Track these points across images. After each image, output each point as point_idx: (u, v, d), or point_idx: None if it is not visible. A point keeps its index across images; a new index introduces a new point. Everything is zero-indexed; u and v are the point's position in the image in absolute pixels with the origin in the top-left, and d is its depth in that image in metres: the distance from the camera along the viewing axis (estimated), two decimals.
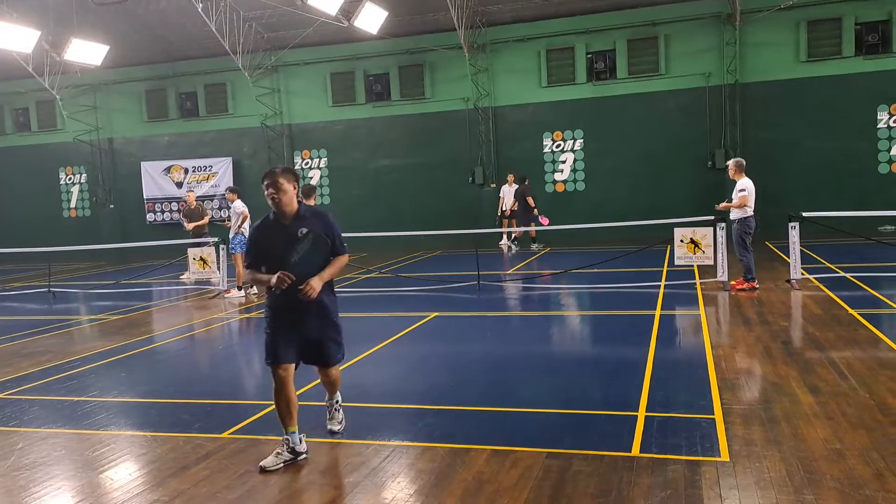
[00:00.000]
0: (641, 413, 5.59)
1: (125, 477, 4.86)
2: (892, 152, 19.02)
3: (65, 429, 6.00)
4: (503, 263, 17.12)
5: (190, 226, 16.44)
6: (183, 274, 16.85)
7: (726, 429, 5.14)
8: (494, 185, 21.31)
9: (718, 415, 5.46)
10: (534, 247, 19.50)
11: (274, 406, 5.01)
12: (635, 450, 4.85)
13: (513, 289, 13.18)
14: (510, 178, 20.20)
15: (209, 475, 4.78)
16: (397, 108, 22.49)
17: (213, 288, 14.23)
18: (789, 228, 11.30)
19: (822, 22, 19.13)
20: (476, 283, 12.82)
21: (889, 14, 18.64)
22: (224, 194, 22.91)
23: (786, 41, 19.47)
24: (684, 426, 5.27)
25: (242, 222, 13.53)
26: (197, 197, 23.46)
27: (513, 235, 19.77)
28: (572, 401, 6.11)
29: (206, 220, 16.67)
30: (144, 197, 24.62)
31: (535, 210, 19.18)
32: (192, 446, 5.34)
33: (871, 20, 18.81)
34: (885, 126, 19.03)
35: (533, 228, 18.91)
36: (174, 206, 24.30)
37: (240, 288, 13.60)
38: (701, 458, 4.63)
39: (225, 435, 5.55)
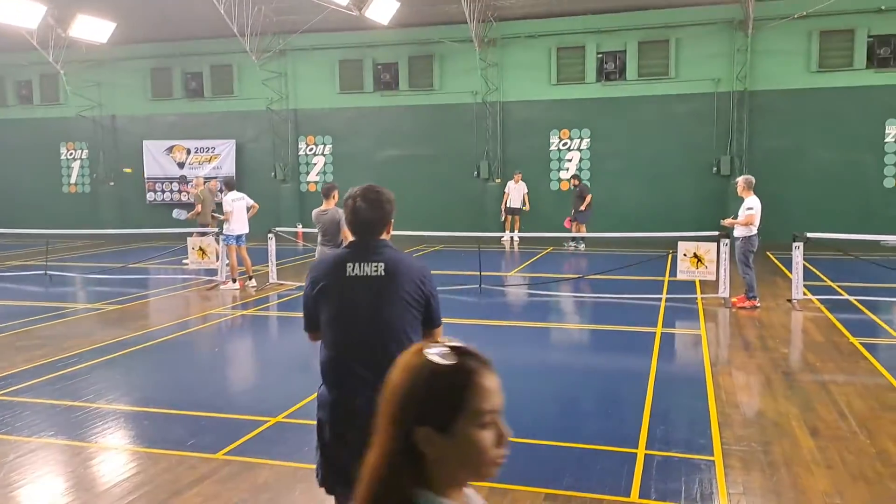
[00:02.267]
0: (641, 451, 5.54)
1: (117, 499, 4.81)
2: None
3: (57, 439, 5.95)
4: (505, 263, 17.04)
5: (190, 215, 16.18)
6: (185, 259, 16.70)
7: (726, 473, 5.10)
8: (500, 181, 21.20)
9: (718, 456, 5.41)
10: (580, 246, 19.11)
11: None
12: (634, 494, 4.81)
13: (514, 294, 13.12)
14: (517, 175, 20.12)
15: (202, 502, 4.73)
16: (405, 98, 22.34)
17: (212, 279, 14.15)
18: (793, 248, 11.24)
19: (835, 33, 18.97)
20: (478, 286, 12.75)
21: None
22: (226, 177, 22.84)
23: (797, 50, 19.31)
24: (684, 468, 5.23)
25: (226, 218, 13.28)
26: (205, 178, 23.30)
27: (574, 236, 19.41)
28: (571, 432, 6.05)
29: (198, 209, 16.09)
30: (145, 176, 24.48)
31: (574, 211, 19.03)
32: (185, 467, 5.29)
33: (883, 33, 18.65)
34: (893, 140, 18.92)
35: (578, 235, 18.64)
36: (175, 185, 24.18)
37: (234, 280, 13.50)
38: None
39: (219, 455, 5.50)
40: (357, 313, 3.25)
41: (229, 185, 13.84)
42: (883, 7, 18.37)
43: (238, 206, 13.36)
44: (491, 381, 1.51)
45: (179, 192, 23.99)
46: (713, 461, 5.33)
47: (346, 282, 3.27)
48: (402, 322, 3.26)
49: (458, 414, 1.45)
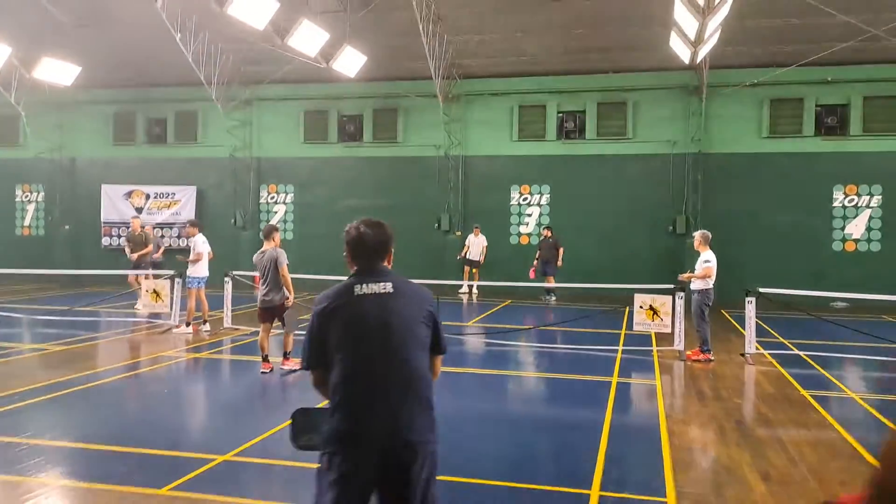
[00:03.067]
0: (595, 492, 5.51)
1: None
2: (847, 231, 19.54)
3: None
4: (464, 314, 17.05)
5: (134, 256, 16.25)
6: (136, 304, 16.49)
7: None
8: (459, 234, 21.33)
9: (671, 498, 5.41)
10: (552, 299, 19.44)
11: None
12: None
13: (471, 343, 13.09)
14: (476, 229, 20.34)
15: None
16: (369, 149, 22.53)
17: (163, 322, 13.90)
18: (746, 303, 11.46)
19: (785, 101, 19.74)
20: None
21: (848, 99, 19.33)
22: (185, 224, 22.70)
23: (749, 116, 20.02)
24: None
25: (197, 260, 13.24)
26: (156, 224, 23.24)
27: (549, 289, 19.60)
28: (526, 474, 6.01)
29: (148, 248, 16.53)
30: (102, 220, 24.13)
31: (543, 263, 19.30)
32: (127, 503, 5.11)
33: (830, 103, 19.49)
34: (841, 205, 19.57)
35: (552, 280, 18.86)
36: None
37: (188, 324, 13.28)
38: None
39: (163, 491, 5.33)
40: (375, 328, 3.18)
41: (200, 226, 13.79)
42: (830, 79, 19.20)
43: (206, 249, 13.30)
44: None
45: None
46: (666, 503, 5.32)
47: (355, 300, 3.23)
48: (415, 334, 3.23)
49: None
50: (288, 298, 9.82)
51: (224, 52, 21.13)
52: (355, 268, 3.38)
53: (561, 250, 19.25)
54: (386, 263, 3.40)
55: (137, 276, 16.38)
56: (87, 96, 23.65)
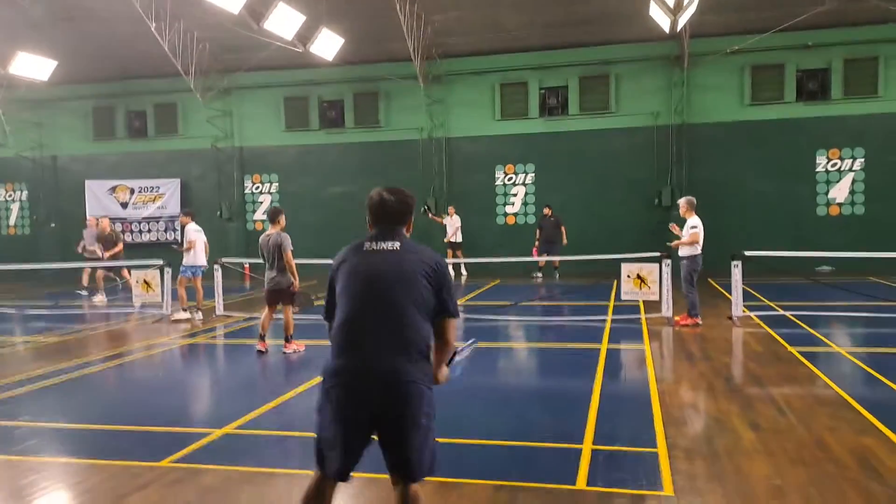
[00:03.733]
0: (587, 446, 5.61)
1: None
2: (830, 195, 19.72)
3: None
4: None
5: (107, 254, 16.41)
6: (95, 296, 16.58)
7: (670, 463, 5.19)
8: (443, 217, 21.19)
9: (662, 449, 5.51)
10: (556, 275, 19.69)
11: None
12: (581, 483, 4.86)
13: (463, 319, 13.17)
14: (451, 209, 20.52)
15: None
16: (351, 135, 22.50)
17: (156, 312, 13.91)
18: (732, 267, 11.59)
19: (766, 68, 19.84)
20: None
21: (828, 63, 19.44)
22: (171, 216, 22.71)
23: (731, 85, 20.12)
24: (629, 460, 5.32)
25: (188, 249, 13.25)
26: (143, 218, 23.22)
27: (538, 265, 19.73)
28: (520, 433, 6.10)
29: (119, 247, 16.68)
30: (87, 216, 23.98)
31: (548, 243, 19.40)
32: (128, 475, 5.17)
33: (811, 68, 19.60)
34: (824, 170, 19.74)
35: (556, 259, 18.89)
36: (118, 226, 23.75)
37: (185, 310, 13.32)
38: (645, 493, 4.67)
39: (164, 463, 5.39)
40: (371, 278, 3.34)
41: (193, 215, 13.76)
42: (810, 43, 19.31)
43: (200, 238, 13.29)
44: None
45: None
46: (657, 453, 5.43)
47: (363, 256, 3.42)
48: (414, 289, 3.33)
49: None
50: (293, 284, 9.80)
51: (200, 41, 21.00)
52: (374, 231, 3.53)
53: (564, 228, 19.30)
54: (405, 230, 3.56)
55: (106, 273, 16.69)
56: (64, 92, 23.48)
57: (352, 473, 3.37)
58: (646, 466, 5.16)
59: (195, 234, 13.25)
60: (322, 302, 3.60)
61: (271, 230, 9.92)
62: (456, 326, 3.55)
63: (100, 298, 16.56)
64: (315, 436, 3.38)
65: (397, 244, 3.42)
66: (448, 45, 21.07)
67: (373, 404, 3.23)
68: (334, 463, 3.29)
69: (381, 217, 3.51)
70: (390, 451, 3.30)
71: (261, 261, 10.10)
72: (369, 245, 3.44)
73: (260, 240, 10.03)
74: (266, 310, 9.99)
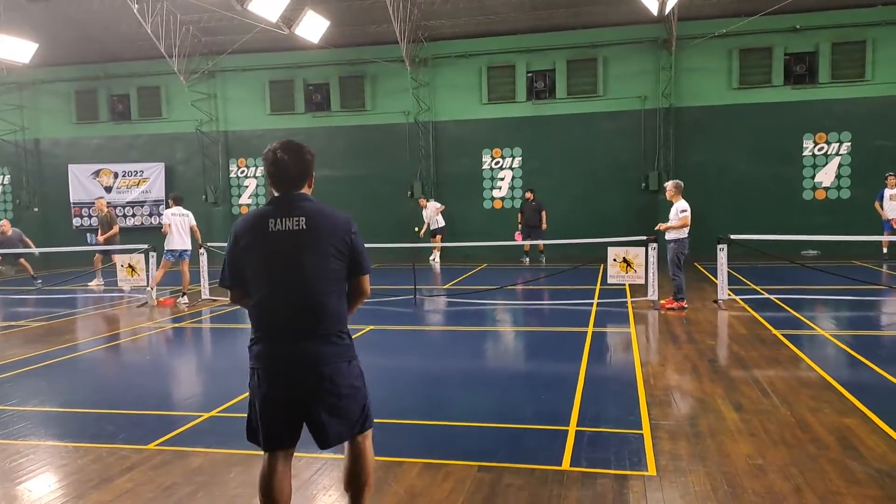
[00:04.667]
0: (572, 428, 5.65)
1: (44, 489, 4.67)
2: (817, 179, 19.83)
3: None
4: (440, 277, 17.14)
5: (100, 238, 16.32)
6: (92, 281, 16.54)
7: (654, 444, 5.24)
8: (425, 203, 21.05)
9: (646, 430, 5.56)
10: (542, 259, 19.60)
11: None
12: (565, 463, 4.90)
13: (449, 303, 13.20)
14: (421, 199, 20.66)
15: (133, 487, 4.63)
16: (337, 118, 22.39)
17: (142, 296, 13.85)
18: (718, 250, 11.64)
19: (754, 51, 19.88)
20: (412, 296, 12.81)
21: (816, 46, 19.49)
22: (156, 201, 22.57)
23: (719, 68, 20.14)
24: (613, 441, 5.36)
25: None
26: (127, 202, 23.06)
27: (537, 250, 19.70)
28: (505, 415, 6.13)
29: (115, 230, 16.50)
30: (71, 201, 23.84)
31: (520, 226, 19.37)
32: (115, 458, 5.16)
33: (799, 51, 19.64)
34: (810, 154, 19.83)
35: (540, 242, 18.81)
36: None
37: (184, 294, 13.28)
38: (629, 473, 4.71)
39: (151, 446, 5.39)
40: (279, 265, 3.30)
41: (176, 200, 13.59)
42: (798, 26, 19.35)
43: (175, 221, 13.18)
44: None
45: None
46: (642, 434, 5.47)
47: (268, 237, 3.31)
48: (323, 271, 3.32)
49: None
50: None
51: (184, 24, 20.79)
52: (274, 194, 3.42)
53: (544, 213, 19.27)
54: (306, 189, 3.44)
55: (103, 256, 16.53)
56: (46, 75, 23.24)
57: (291, 449, 3.49)
58: (630, 447, 5.21)
59: (169, 217, 13.16)
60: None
61: None
62: (367, 281, 3.55)
63: (96, 282, 16.44)
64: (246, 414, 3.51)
65: (303, 220, 3.29)
66: (435, 27, 20.97)
67: (294, 388, 3.32)
68: (263, 438, 3.40)
69: (279, 179, 3.37)
70: (321, 430, 3.39)
71: None
72: (273, 224, 3.30)
73: None
74: None
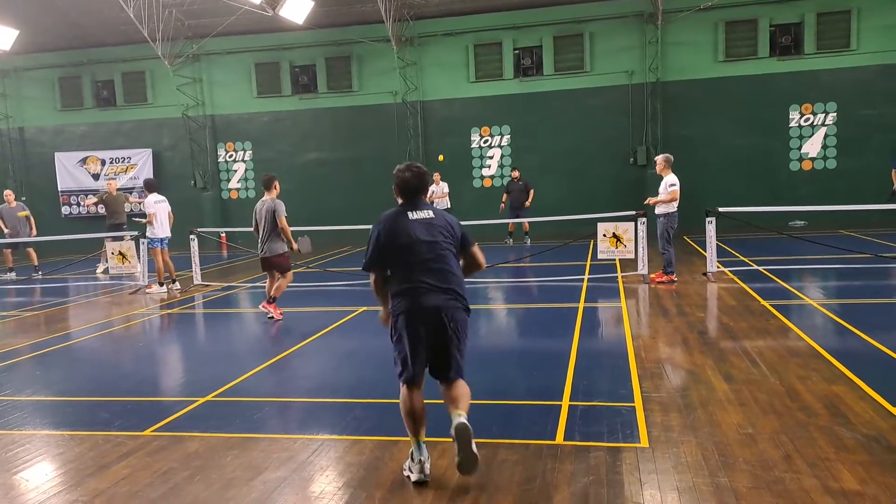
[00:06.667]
0: (565, 402, 5.72)
1: (41, 477, 4.71)
2: (803, 150, 19.90)
3: None
4: None
5: (146, 221, 16.15)
6: (98, 267, 16.49)
7: (646, 416, 5.31)
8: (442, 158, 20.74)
9: (638, 403, 5.63)
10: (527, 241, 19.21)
11: None
12: (559, 438, 4.96)
13: None
14: (436, 176, 20.32)
15: (130, 473, 4.67)
16: (324, 100, 22.28)
17: (133, 283, 13.84)
18: (706, 223, 11.70)
19: (739, 23, 19.86)
20: None
21: (801, 17, 19.49)
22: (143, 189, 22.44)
23: (705, 41, 20.12)
24: (606, 414, 5.43)
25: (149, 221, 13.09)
26: (117, 189, 22.93)
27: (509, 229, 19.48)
28: (498, 392, 6.19)
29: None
30: (59, 189, 23.71)
31: (502, 206, 19.24)
32: (111, 445, 5.20)
33: (784, 22, 19.64)
34: (797, 125, 19.89)
35: (526, 220, 18.58)
36: (91, 198, 23.49)
37: (161, 284, 13.24)
38: (622, 445, 4.78)
39: (147, 433, 5.43)
40: (420, 240, 4.48)
41: (150, 187, 13.43)
42: None
43: (161, 209, 13.11)
44: None
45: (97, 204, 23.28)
46: (634, 407, 5.55)
47: (410, 223, 4.54)
48: (448, 246, 4.58)
49: None
50: (287, 250, 9.89)
51: (166, 7, 20.58)
52: (402, 200, 4.64)
53: (531, 192, 19.01)
54: (424, 197, 4.71)
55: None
56: (28, 62, 23.02)
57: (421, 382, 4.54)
58: (622, 420, 5.28)
59: (153, 205, 13.03)
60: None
61: (266, 196, 9.93)
62: (477, 250, 4.79)
63: (102, 269, 16.32)
64: (394, 357, 4.55)
65: (430, 212, 4.61)
66: (420, 6, 20.84)
67: (431, 326, 4.43)
68: (409, 371, 4.49)
69: (406, 190, 4.63)
70: (442, 357, 4.48)
71: (241, 229, 10.14)
72: (412, 214, 4.56)
73: (256, 206, 10.03)
74: (268, 276, 10.08)
